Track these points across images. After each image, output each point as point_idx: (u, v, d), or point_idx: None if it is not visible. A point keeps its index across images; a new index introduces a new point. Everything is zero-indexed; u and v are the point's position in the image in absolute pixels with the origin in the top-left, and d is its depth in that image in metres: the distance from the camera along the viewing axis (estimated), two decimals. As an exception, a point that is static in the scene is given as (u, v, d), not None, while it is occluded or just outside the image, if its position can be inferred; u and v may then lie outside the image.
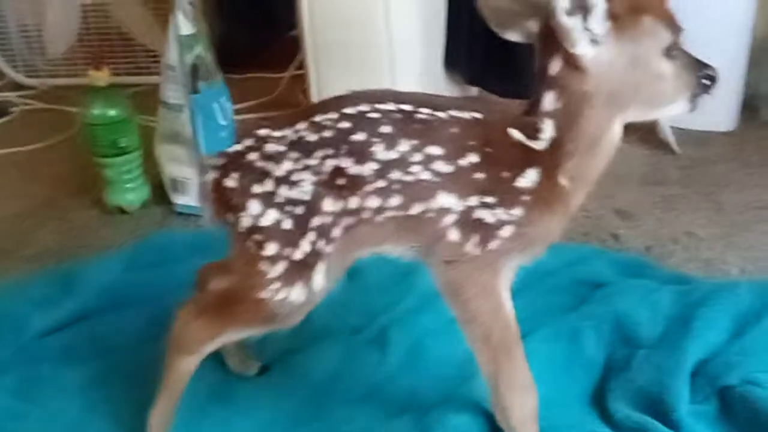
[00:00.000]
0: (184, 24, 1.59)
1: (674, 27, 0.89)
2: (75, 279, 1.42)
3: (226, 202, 0.90)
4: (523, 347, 0.98)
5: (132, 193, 1.79)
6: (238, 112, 1.87)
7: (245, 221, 0.89)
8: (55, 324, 1.31)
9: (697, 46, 0.94)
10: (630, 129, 0.91)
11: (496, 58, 1.86)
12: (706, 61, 0.93)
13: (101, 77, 1.67)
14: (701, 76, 0.92)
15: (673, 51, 0.89)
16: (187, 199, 1.72)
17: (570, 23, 0.84)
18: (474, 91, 2.05)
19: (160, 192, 1.80)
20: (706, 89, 0.92)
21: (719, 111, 2.06)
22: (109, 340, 1.28)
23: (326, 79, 1.71)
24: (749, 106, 2.12)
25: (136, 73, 2.71)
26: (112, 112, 1.71)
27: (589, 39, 0.85)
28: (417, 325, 1.26)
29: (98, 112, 1.70)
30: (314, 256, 0.90)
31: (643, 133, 2.02)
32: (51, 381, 1.19)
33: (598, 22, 0.84)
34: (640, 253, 1.51)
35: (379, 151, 0.87)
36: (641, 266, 1.43)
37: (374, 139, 0.88)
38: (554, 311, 1.28)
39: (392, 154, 0.88)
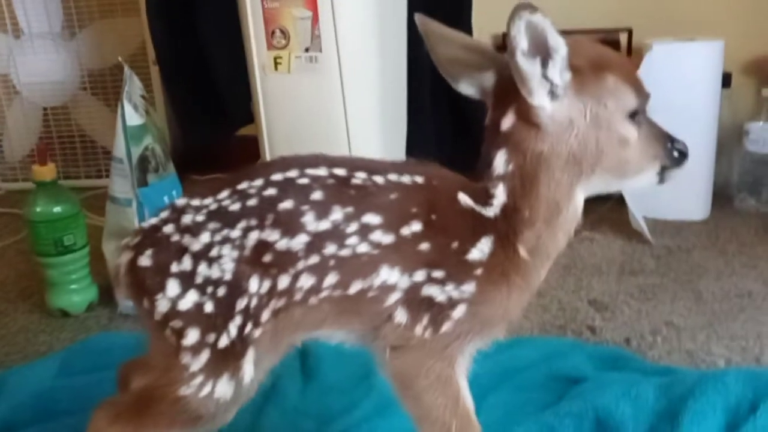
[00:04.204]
0: (131, 114, 1.52)
1: (640, 91, 0.82)
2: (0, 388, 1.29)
3: (140, 285, 0.79)
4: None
5: (77, 295, 1.67)
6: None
7: (162, 305, 0.78)
8: (-27, 438, 1.17)
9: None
10: (602, 219, 0.86)
11: (462, 144, 1.82)
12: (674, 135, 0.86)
13: (46, 173, 1.59)
14: (671, 148, 0.84)
15: (638, 117, 0.82)
16: (135, 299, 1.61)
17: (528, 68, 0.76)
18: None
19: (109, 293, 1.68)
20: (676, 162, 0.84)
21: (692, 200, 2.06)
22: (32, 455, 1.13)
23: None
24: (721, 195, 2.13)
25: (97, 176, 2.67)
26: (56, 209, 1.61)
27: (547, 90, 0.78)
28: (378, 430, 1.14)
29: (41, 209, 1.61)
30: (242, 343, 0.79)
31: (615, 223, 1.98)
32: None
33: (559, 71, 0.77)
34: (618, 346, 1.42)
35: (310, 221, 0.78)
36: (621, 359, 1.33)
37: (303, 207, 0.78)
38: (530, 409, 1.17)
39: (324, 225, 0.78)
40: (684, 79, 1.96)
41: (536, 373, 1.28)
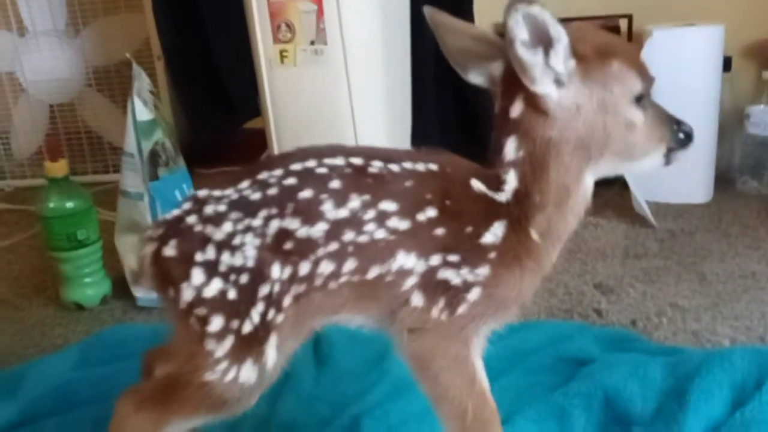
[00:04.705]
0: (141, 110, 1.55)
1: (645, 75, 0.84)
2: (19, 380, 1.32)
3: (165, 275, 0.82)
4: (507, 428, 0.89)
5: (91, 288, 1.70)
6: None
7: (187, 294, 0.80)
8: (-3, 430, 1.19)
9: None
10: (605, 203, 0.87)
11: (467, 133, 1.84)
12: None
13: (58, 169, 1.62)
14: (676, 130, 0.86)
15: (643, 101, 0.84)
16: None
17: (530, 58, 0.78)
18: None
19: (122, 286, 1.72)
20: (682, 144, 0.87)
21: (694, 183, 2.08)
22: (53, 444, 1.16)
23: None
24: (723, 178, 2.15)
25: (104, 171, 2.70)
26: (69, 204, 1.64)
27: (552, 78, 0.80)
28: (391, 413, 1.16)
29: (54, 204, 1.63)
30: (265, 328, 0.81)
31: (618, 208, 2.01)
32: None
33: (561, 59, 0.79)
34: (624, 327, 1.45)
35: (329, 209, 0.80)
36: (627, 340, 1.35)
37: (322, 196, 0.80)
38: (539, 390, 1.19)
39: (343, 212, 0.80)
40: (685, 64, 1.97)
41: (545, 355, 1.30)
